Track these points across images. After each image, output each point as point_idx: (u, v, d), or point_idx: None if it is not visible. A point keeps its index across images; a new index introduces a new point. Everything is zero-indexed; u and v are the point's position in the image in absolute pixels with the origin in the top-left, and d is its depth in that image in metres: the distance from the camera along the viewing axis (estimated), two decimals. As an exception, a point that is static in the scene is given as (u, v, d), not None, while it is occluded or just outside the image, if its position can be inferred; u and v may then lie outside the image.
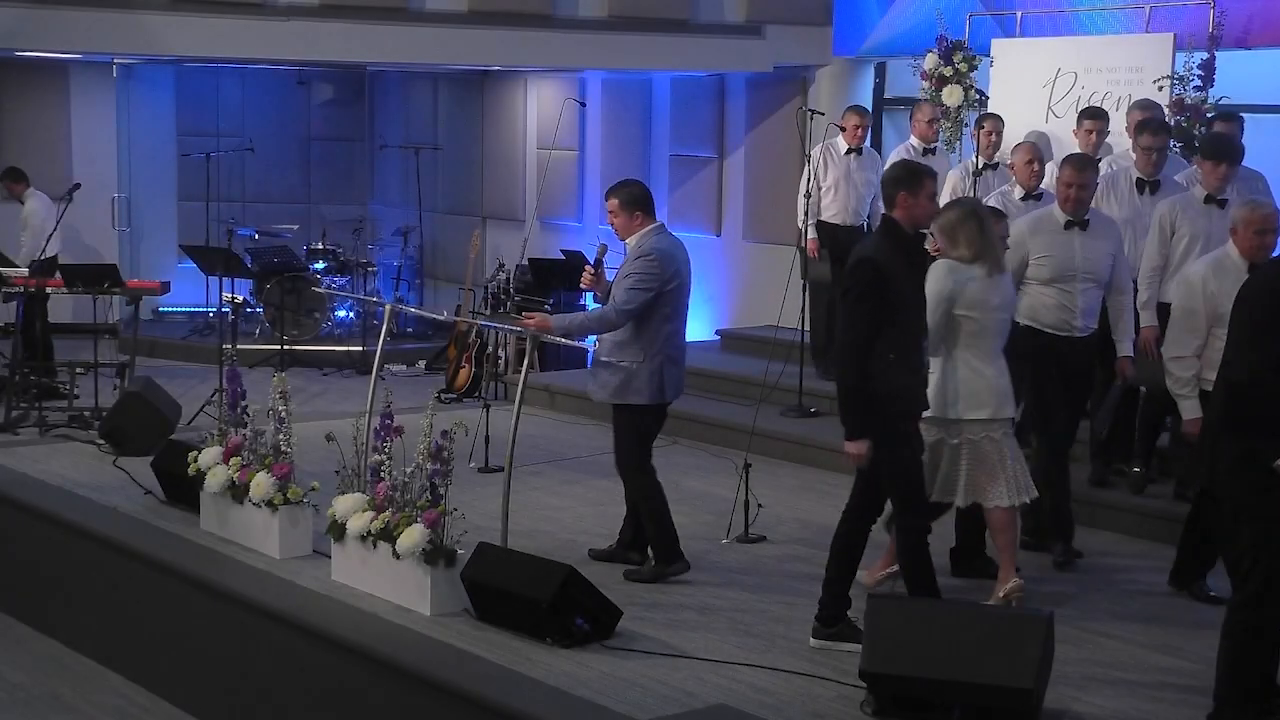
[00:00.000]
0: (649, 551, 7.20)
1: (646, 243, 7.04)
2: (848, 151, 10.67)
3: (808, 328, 10.34)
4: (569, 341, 6.99)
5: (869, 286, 5.93)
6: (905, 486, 6.16)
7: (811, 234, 10.61)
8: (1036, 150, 8.56)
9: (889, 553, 6.85)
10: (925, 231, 6.37)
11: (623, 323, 6.92)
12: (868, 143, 10.93)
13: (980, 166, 9.54)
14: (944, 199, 9.83)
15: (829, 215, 10.68)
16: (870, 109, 12.25)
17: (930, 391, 6.42)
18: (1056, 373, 7.33)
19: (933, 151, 10.20)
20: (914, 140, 10.30)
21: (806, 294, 10.80)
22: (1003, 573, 6.64)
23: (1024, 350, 7.13)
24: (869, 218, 10.78)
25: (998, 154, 9.81)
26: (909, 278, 6.07)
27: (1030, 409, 7.36)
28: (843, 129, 10.88)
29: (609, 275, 7.26)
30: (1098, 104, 9.78)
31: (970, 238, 6.47)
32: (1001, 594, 6.57)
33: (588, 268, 7.27)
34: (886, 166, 10.28)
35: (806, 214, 10.48)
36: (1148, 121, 8.31)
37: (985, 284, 6.45)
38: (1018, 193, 8.50)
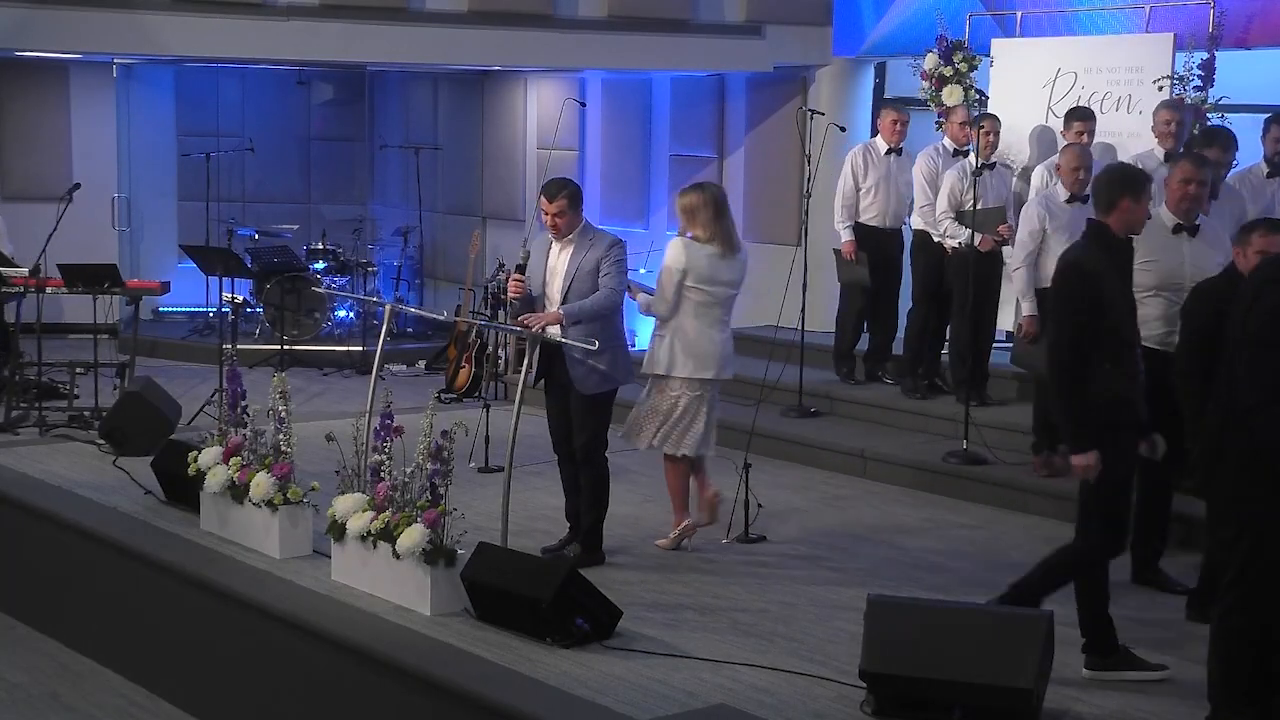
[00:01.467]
0: (582, 540, 7.37)
1: (601, 234, 7.30)
2: (888, 152, 10.52)
3: (810, 328, 10.31)
4: (574, 343, 7.00)
5: (1078, 292, 5.77)
6: (1107, 506, 5.85)
7: (849, 235, 10.50)
8: (1086, 157, 8.46)
9: (681, 510, 7.59)
10: (1134, 236, 6.19)
11: (619, 303, 7.22)
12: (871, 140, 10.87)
13: (979, 166, 9.54)
14: (942, 199, 9.84)
15: (868, 218, 10.53)
16: (872, 108, 12.29)
17: (658, 351, 7.40)
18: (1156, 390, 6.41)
19: (964, 153, 10.07)
20: (946, 141, 10.22)
21: (834, 296, 10.85)
22: (676, 516, 7.61)
23: None
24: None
25: (995, 154, 9.80)
26: (1118, 283, 5.92)
27: None
28: (841, 129, 10.85)
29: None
30: (1097, 104, 9.80)
31: (706, 220, 7.36)
32: (674, 535, 7.56)
33: (518, 276, 7.26)
34: (952, 164, 10.15)
35: (845, 215, 10.46)
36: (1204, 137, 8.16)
37: (718, 262, 7.37)
38: (1062, 194, 8.47)
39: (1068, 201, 8.38)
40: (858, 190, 10.50)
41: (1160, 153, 8.80)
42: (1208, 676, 5.29)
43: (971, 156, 9.66)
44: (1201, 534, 7.32)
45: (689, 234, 7.41)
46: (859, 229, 10.50)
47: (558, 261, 7.26)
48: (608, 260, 7.14)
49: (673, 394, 7.44)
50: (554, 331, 7.13)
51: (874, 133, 11.07)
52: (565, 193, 7.18)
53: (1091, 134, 9.20)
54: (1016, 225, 9.45)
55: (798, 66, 12.41)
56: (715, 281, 7.40)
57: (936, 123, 10.95)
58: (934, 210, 9.99)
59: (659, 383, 7.48)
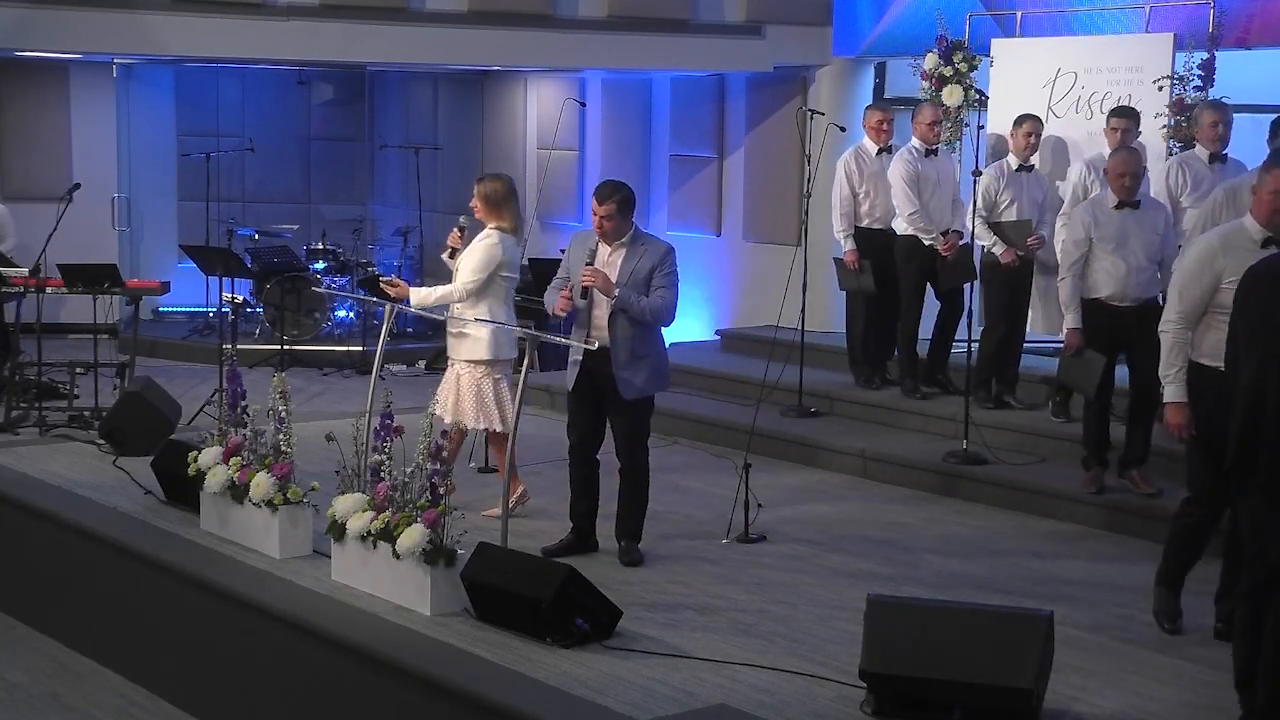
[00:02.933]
0: (624, 535, 7.40)
1: (655, 241, 7.27)
2: (879, 153, 10.36)
3: (810, 328, 10.30)
4: (572, 342, 7.02)
5: None
6: None
7: (850, 244, 10.34)
8: (1135, 163, 8.02)
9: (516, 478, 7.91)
10: None
11: (669, 320, 7.25)
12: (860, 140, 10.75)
13: (1016, 167, 9.41)
14: (978, 195, 9.46)
15: (870, 221, 10.38)
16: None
17: (487, 339, 7.82)
18: None
19: (934, 153, 10.13)
20: (916, 142, 10.13)
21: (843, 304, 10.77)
22: (516, 484, 7.99)
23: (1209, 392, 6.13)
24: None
25: (1034, 155, 9.60)
26: None
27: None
28: (841, 129, 10.82)
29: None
30: (1097, 104, 9.79)
31: (512, 211, 7.98)
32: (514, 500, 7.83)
33: (566, 293, 7.15)
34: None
35: (844, 223, 10.31)
36: None
37: (517, 251, 8.11)
38: (1110, 200, 7.96)
39: (1115, 208, 7.99)
40: (854, 196, 10.37)
41: (1205, 154, 8.70)
42: (1234, 664, 5.30)
43: (1012, 158, 9.52)
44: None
45: (492, 225, 7.93)
46: (861, 234, 10.37)
47: (607, 265, 7.18)
48: (661, 271, 7.11)
49: (495, 375, 7.95)
50: (599, 324, 7.13)
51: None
52: (617, 197, 7.12)
53: (1131, 133, 9.07)
54: (1049, 233, 9.33)
55: (798, 66, 12.41)
56: (515, 268, 8.06)
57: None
58: (923, 216, 9.88)
59: (486, 367, 7.93)
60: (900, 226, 10.17)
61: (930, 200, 10.02)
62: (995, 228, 9.50)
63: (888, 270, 10.40)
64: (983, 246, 9.60)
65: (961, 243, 9.81)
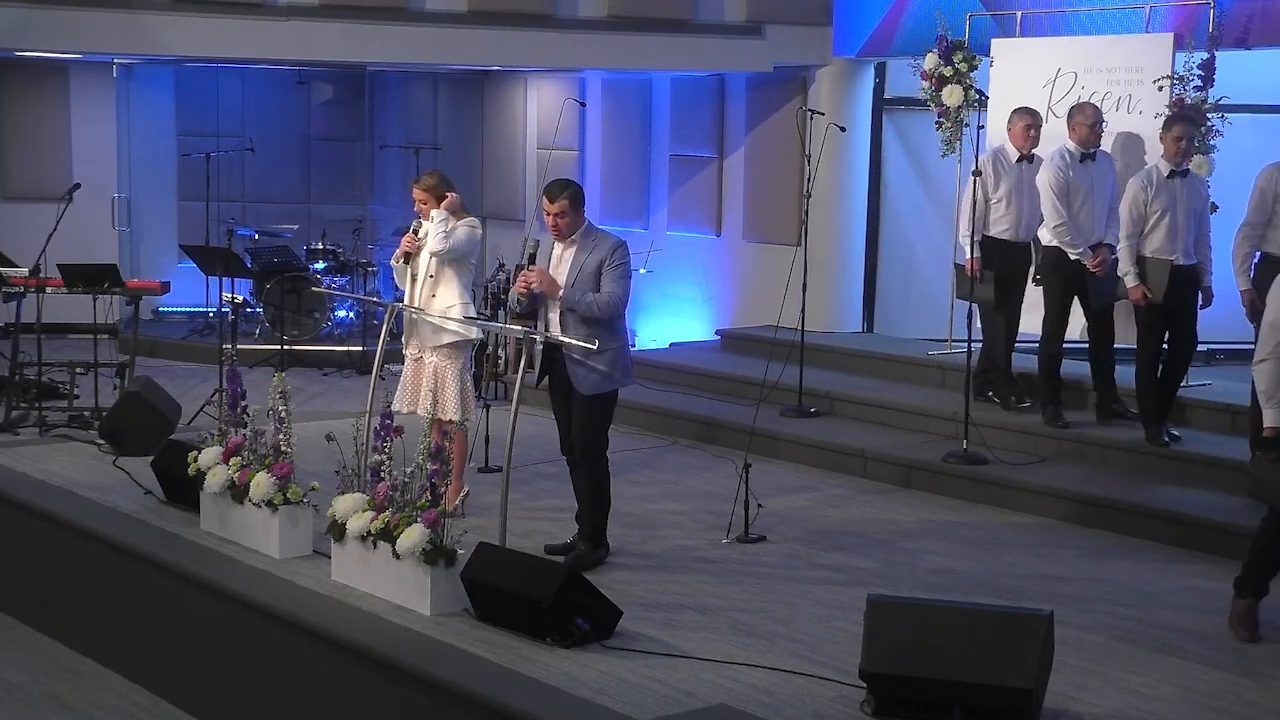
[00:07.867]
0: (589, 537, 7.37)
1: (605, 236, 7.28)
2: (1019, 159, 9.73)
3: (809, 328, 10.28)
4: (573, 342, 7.00)
5: None
6: None
7: (976, 251, 9.56)
8: None
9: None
10: None
11: (619, 313, 7.19)
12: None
13: (1168, 173, 8.68)
14: (1124, 217, 8.77)
15: (998, 231, 9.74)
16: (872, 108, 12.29)
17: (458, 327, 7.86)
18: None
19: (1092, 157, 9.27)
20: (1070, 145, 9.29)
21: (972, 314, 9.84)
22: (459, 481, 7.97)
23: None
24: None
25: (1188, 160, 8.82)
26: None
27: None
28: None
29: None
30: (1097, 104, 9.76)
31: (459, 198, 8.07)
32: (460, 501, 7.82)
33: (529, 271, 7.17)
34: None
35: (971, 230, 9.52)
36: None
37: None
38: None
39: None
40: (987, 201, 9.69)
41: None
42: None
43: (1163, 163, 8.72)
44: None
45: (446, 218, 7.99)
46: (984, 242, 9.72)
47: (560, 261, 7.26)
48: (610, 263, 7.13)
49: (460, 362, 8.00)
50: (553, 323, 7.14)
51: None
52: (567, 193, 7.19)
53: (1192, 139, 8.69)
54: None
55: (798, 66, 12.41)
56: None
57: (937, 123, 10.92)
58: (1070, 229, 9.13)
59: (461, 356, 8.00)
60: (1045, 236, 9.43)
61: (1081, 210, 9.24)
62: (1139, 260, 8.75)
63: (1010, 282, 9.77)
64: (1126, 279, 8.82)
65: (1113, 257, 9.04)
